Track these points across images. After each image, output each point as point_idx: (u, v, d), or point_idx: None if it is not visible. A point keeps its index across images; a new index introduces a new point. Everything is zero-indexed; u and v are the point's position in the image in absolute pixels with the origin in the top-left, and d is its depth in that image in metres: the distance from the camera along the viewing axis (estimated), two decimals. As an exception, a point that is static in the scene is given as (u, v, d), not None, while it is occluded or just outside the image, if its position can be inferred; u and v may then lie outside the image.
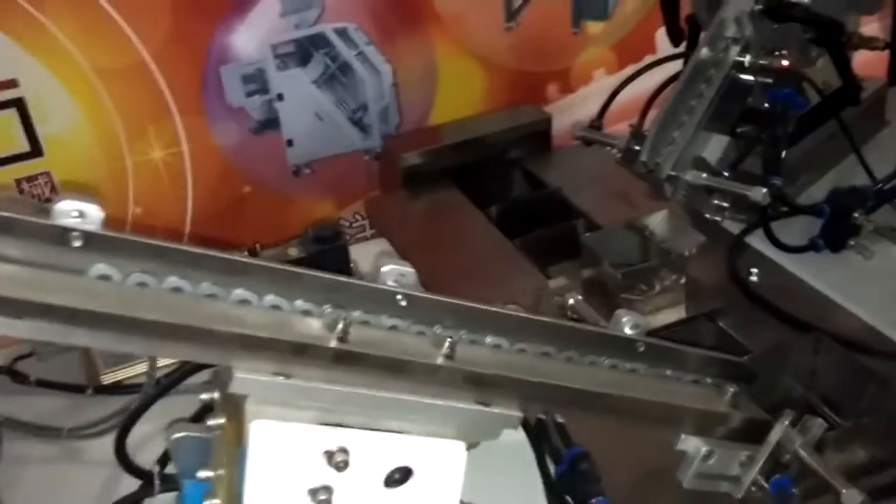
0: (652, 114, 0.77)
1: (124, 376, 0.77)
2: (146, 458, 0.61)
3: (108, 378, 0.76)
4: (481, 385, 0.47)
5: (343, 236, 0.68)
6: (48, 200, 0.43)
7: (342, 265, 0.64)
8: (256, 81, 1.08)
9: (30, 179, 1.02)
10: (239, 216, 1.13)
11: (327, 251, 0.65)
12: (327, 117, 1.13)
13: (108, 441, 0.61)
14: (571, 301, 0.56)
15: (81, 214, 0.39)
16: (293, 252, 0.66)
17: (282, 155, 1.12)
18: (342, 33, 1.09)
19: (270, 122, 1.10)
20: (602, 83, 1.19)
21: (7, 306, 0.37)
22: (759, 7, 0.61)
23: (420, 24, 1.11)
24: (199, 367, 0.56)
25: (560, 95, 1.19)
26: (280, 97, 1.09)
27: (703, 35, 0.64)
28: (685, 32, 0.75)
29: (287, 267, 0.44)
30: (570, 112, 1.18)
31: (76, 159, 1.03)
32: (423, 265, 0.48)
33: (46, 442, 0.69)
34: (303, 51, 1.08)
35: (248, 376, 0.42)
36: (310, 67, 1.10)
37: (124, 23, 0.99)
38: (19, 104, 0.99)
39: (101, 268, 0.40)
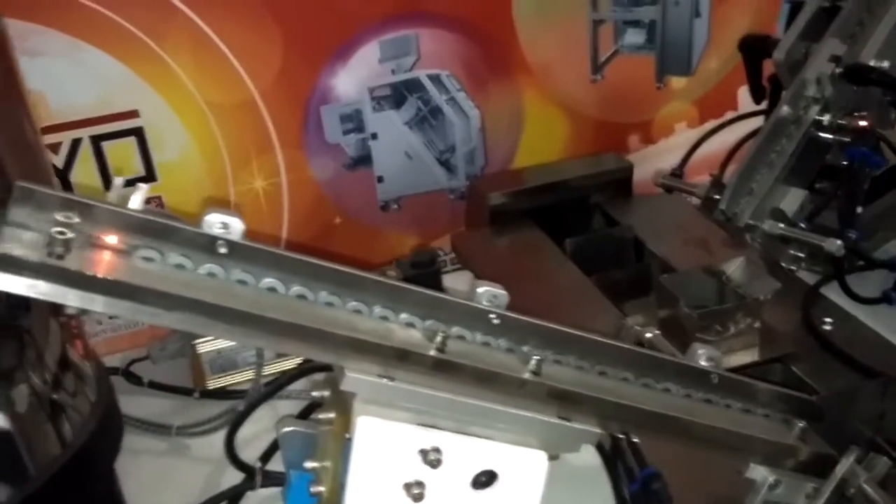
0: (732, 166, 0.81)
1: (227, 383, 0.83)
2: (246, 455, 0.66)
3: (212, 383, 0.83)
4: (564, 401, 0.51)
5: (438, 263, 0.74)
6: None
7: (435, 289, 0.69)
8: (353, 121, 1.15)
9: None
10: (328, 246, 1.19)
11: (423, 275, 0.70)
12: (416, 157, 1.19)
13: (212, 439, 0.67)
14: (649, 335, 0.60)
15: (226, 226, 0.46)
16: (392, 274, 0.72)
17: (372, 190, 1.19)
18: (435, 79, 1.16)
19: (363, 159, 1.17)
20: (683, 136, 1.23)
21: (162, 299, 0.43)
22: (838, 70, 0.65)
23: (509, 73, 1.17)
24: (301, 374, 0.61)
25: (641, 146, 1.23)
26: (374, 136, 1.16)
27: (784, 94, 0.68)
28: (767, 91, 0.78)
29: (396, 283, 0.49)
30: (650, 162, 1.21)
31: (185, 185, 1.11)
32: (506, 296, 0.53)
33: (157, 438, 0.76)
34: (398, 94, 1.15)
35: (357, 376, 0.47)
36: (403, 110, 1.16)
37: (238, 62, 1.07)
38: (139, 133, 1.08)
39: (239, 273, 0.46)
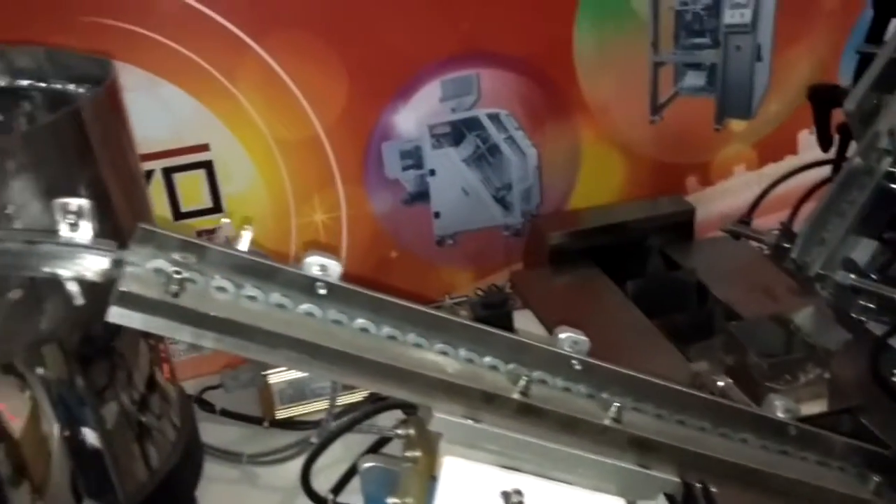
0: (801, 212, 0.81)
1: (295, 413, 0.85)
2: (315, 486, 0.67)
3: (281, 414, 0.85)
4: (643, 448, 0.51)
5: (509, 304, 0.75)
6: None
7: (506, 330, 0.70)
8: (412, 157, 1.17)
9: (209, 232, 1.14)
10: (384, 279, 1.21)
11: (494, 316, 0.71)
12: (473, 193, 1.21)
13: (282, 469, 0.68)
14: (721, 384, 0.61)
15: (324, 268, 0.47)
16: (463, 314, 0.73)
17: (429, 225, 1.20)
18: (494, 118, 1.18)
19: (421, 195, 1.19)
20: (742, 178, 1.23)
21: (268, 337, 0.45)
22: (914, 122, 0.65)
23: (568, 112, 1.18)
24: (380, 410, 0.63)
25: (699, 187, 1.24)
26: (432, 172, 1.18)
27: (857, 145, 0.68)
28: (835, 139, 0.79)
29: (482, 327, 0.50)
30: (708, 204, 1.22)
31: (249, 216, 1.14)
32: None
33: (228, 465, 0.77)
34: (457, 132, 1.17)
35: (445, 417, 0.48)
36: (462, 147, 1.18)
37: (305, 100, 1.10)
38: (208, 165, 1.11)
39: (334, 313, 0.48)
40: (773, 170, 1.21)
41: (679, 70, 1.19)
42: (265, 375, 0.84)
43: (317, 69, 1.08)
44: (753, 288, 0.88)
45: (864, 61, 0.70)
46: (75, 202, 0.40)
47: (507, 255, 1.22)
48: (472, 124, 1.17)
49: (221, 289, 0.44)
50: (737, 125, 1.22)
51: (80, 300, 0.42)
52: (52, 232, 0.41)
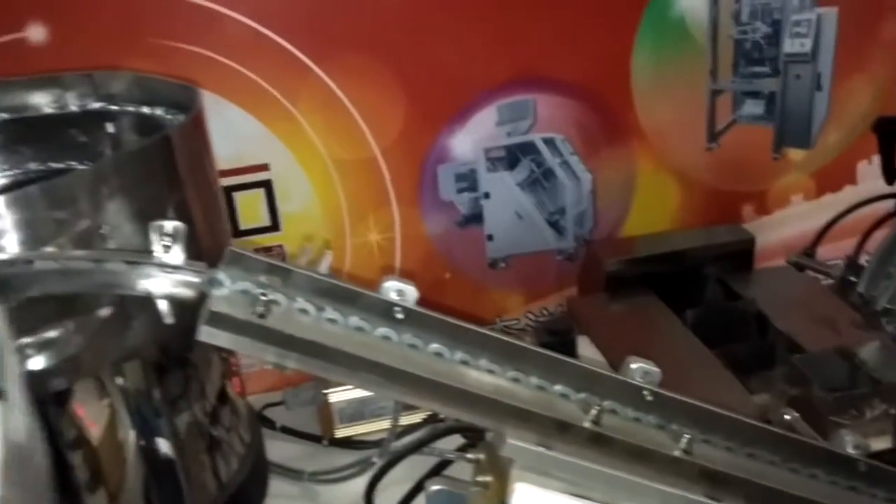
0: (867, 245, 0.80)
1: (354, 433, 0.86)
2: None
3: (340, 432, 0.86)
4: (714, 481, 0.51)
5: (573, 331, 0.75)
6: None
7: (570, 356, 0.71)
8: (467, 180, 1.18)
9: (266, 249, 1.16)
10: (437, 299, 1.21)
11: (559, 343, 0.71)
12: (527, 217, 1.21)
13: (343, 487, 0.69)
14: (788, 417, 0.60)
15: (401, 293, 0.48)
16: (528, 339, 0.73)
17: (482, 248, 1.21)
18: (549, 143, 1.18)
19: (475, 217, 1.19)
20: (799, 208, 1.22)
21: (348, 360, 0.46)
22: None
23: (624, 138, 1.18)
24: (449, 433, 0.63)
25: (756, 216, 1.23)
26: (486, 195, 1.18)
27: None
28: (902, 171, 0.78)
29: (554, 355, 0.51)
30: (765, 233, 1.20)
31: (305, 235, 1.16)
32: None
33: (289, 482, 0.79)
34: (512, 156, 1.17)
35: (518, 444, 0.49)
36: (516, 171, 1.19)
37: (363, 122, 1.12)
38: (268, 185, 1.13)
39: (410, 337, 0.49)
40: (832, 200, 1.19)
41: (737, 98, 1.18)
42: (325, 394, 0.85)
43: (375, 92, 1.10)
44: (816, 320, 0.87)
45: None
46: (170, 225, 0.42)
47: (560, 280, 1.22)
48: (527, 148, 1.18)
49: (304, 311, 0.45)
50: (795, 154, 1.21)
51: (169, 318, 0.43)
52: (147, 252, 0.42)
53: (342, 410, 0.85)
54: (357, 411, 0.86)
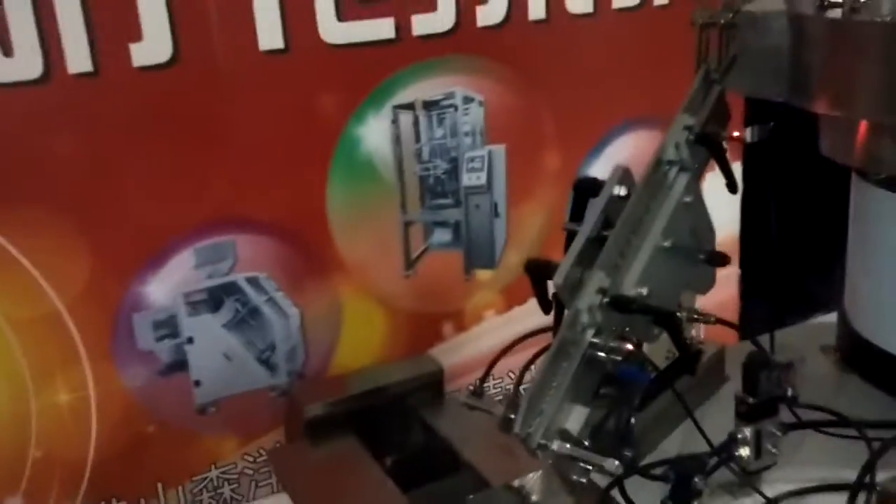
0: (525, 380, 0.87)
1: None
2: None
3: None
4: None
5: None
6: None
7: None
8: (167, 326, 1.13)
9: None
10: (142, 455, 1.14)
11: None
12: (236, 357, 1.18)
13: None
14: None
15: None
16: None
17: (188, 394, 1.16)
18: (253, 281, 1.17)
19: (179, 364, 1.14)
20: (492, 322, 1.31)
21: None
22: (605, 300, 0.72)
23: (326, 271, 1.20)
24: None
25: (455, 333, 1.30)
26: (190, 340, 1.14)
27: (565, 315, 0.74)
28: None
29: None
30: (466, 349, 1.28)
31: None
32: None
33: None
34: (214, 297, 1.15)
35: None
36: (221, 312, 1.16)
37: (41, 277, 1.04)
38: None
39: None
40: (519, 312, 1.31)
41: (428, 227, 1.26)
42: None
43: (53, 243, 1.04)
44: (497, 448, 0.90)
45: (570, 238, 0.77)
46: None
47: (275, 418, 1.20)
48: (231, 289, 1.16)
49: None
50: (483, 275, 1.31)
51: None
52: None
53: None
54: None
